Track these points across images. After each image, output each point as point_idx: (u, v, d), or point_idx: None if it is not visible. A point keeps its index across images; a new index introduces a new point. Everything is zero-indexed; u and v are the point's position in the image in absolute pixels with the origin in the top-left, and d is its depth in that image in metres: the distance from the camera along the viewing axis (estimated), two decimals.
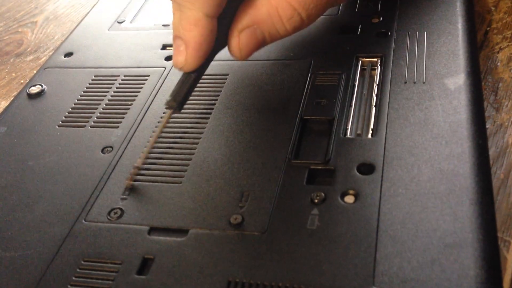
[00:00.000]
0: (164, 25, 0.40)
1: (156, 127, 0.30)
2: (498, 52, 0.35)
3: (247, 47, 0.28)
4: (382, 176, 0.24)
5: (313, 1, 0.27)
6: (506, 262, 0.24)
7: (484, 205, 0.22)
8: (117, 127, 0.31)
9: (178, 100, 0.27)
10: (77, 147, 0.30)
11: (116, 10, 0.43)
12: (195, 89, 0.32)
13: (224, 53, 0.35)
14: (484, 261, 0.20)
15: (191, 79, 0.27)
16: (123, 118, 0.31)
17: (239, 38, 0.28)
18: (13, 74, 0.45)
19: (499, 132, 0.30)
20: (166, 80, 0.34)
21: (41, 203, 0.27)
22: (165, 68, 0.35)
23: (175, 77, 0.34)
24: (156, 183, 0.26)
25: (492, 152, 0.28)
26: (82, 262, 0.23)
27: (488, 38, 0.36)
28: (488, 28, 0.37)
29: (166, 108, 0.27)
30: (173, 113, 0.27)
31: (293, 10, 0.27)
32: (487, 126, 0.30)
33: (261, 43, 0.28)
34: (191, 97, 0.31)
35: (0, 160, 0.30)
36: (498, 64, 0.34)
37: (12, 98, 0.36)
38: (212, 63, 0.34)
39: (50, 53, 0.45)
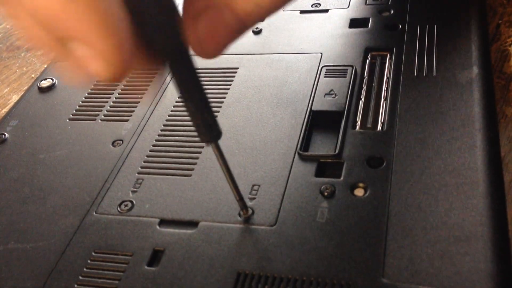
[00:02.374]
0: None
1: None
2: (510, 45, 0.34)
3: (214, 40, 0.18)
4: (392, 169, 0.24)
5: None
6: None
7: (495, 198, 0.22)
8: (127, 120, 0.31)
9: (208, 131, 0.20)
10: (88, 140, 0.30)
11: None
12: (206, 82, 0.32)
13: (233, 47, 0.35)
14: (494, 254, 0.20)
15: (196, 95, 0.19)
16: (133, 111, 0.31)
17: (197, 27, 0.17)
18: (24, 69, 0.45)
19: (511, 125, 0.29)
20: None
21: (53, 196, 0.27)
22: None
23: None
24: (166, 176, 0.27)
25: (503, 145, 0.28)
26: (93, 254, 0.23)
27: (500, 31, 0.36)
28: (500, 21, 0.36)
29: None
30: (216, 143, 0.21)
31: None
32: (499, 120, 0.29)
33: (235, 30, 0.18)
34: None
35: (11, 153, 0.30)
36: (510, 57, 0.34)
37: (23, 92, 0.36)
38: (222, 56, 0.34)
39: None
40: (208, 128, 0.20)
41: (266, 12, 0.18)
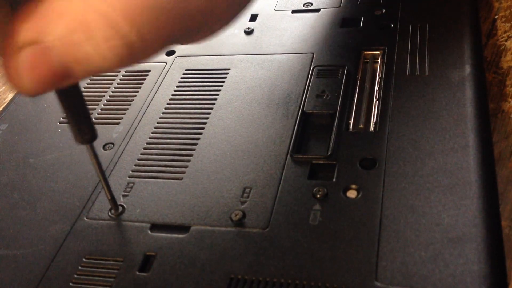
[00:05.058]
0: None
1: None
2: (506, 40, 0.34)
3: (34, 78, 0.16)
4: (384, 171, 0.24)
5: (153, 17, 0.16)
6: None
7: (488, 199, 0.22)
8: (118, 123, 0.31)
9: (85, 133, 0.21)
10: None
11: None
12: (196, 84, 0.32)
13: (224, 48, 0.35)
14: (488, 255, 0.20)
15: (71, 97, 0.20)
16: (124, 114, 0.31)
17: (18, 58, 0.16)
18: None
19: (508, 121, 0.29)
20: (167, 75, 0.33)
21: (43, 201, 0.27)
22: (166, 63, 0.34)
23: (176, 72, 0.34)
24: (157, 179, 0.26)
25: (500, 140, 0.28)
26: (84, 260, 0.23)
27: (496, 26, 0.36)
28: (496, 16, 0.36)
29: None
30: (91, 145, 0.22)
31: (114, 24, 0.16)
32: (496, 115, 0.29)
33: (62, 76, 0.17)
34: (192, 92, 0.32)
35: (1, 158, 0.30)
36: (507, 52, 0.33)
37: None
38: (214, 57, 0.34)
39: None
40: (79, 132, 0.21)
41: (105, 67, 0.17)
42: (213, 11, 0.18)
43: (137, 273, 0.22)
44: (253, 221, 0.23)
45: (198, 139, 0.28)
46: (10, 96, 0.41)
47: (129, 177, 0.27)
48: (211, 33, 0.20)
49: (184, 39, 0.19)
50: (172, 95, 0.32)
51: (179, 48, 0.35)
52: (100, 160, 0.23)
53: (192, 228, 0.24)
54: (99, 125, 0.31)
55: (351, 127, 0.27)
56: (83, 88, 0.34)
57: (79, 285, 0.22)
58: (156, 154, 0.28)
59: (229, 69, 0.33)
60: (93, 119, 0.31)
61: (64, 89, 0.20)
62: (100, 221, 0.25)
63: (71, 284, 0.22)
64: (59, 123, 0.32)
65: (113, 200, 0.25)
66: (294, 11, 0.36)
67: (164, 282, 0.22)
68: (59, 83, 0.17)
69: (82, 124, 0.21)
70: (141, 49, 0.17)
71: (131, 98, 0.32)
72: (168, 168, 0.27)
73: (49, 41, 0.16)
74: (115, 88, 0.33)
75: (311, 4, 0.37)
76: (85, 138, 0.21)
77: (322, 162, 0.25)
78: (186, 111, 0.30)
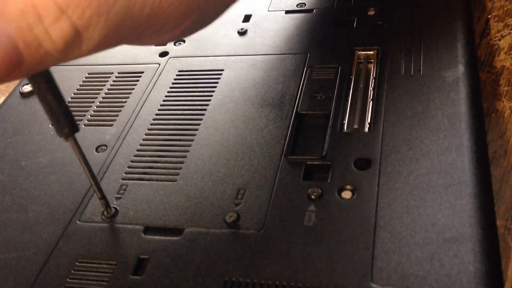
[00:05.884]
0: None
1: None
2: (499, 40, 0.34)
3: None
4: (379, 171, 0.24)
5: (88, 5, 0.17)
6: (510, 250, 0.23)
7: (483, 199, 0.22)
8: (111, 125, 0.30)
9: (65, 127, 0.21)
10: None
11: None
12: (190, 85, 0.32)
13: (218, 49, 0.35)
14: (483, 255, 0.20)
15: (49, 93, 0.20)
16: (117, 116, 0.31)
17: None
18: None
19: (502, 120, 0.29)
20: (160, 76, 0.33)
21: (35, 204, 0.26)
22: (159, 64, 0.34)
23: (170, 73, 0.33)
24: (151, 182, 0.26)
25: (494, 140, 0.28)
26: (77, 263, 0.23)
27: (490, 25, 0.36)
28: (489, 16, 0.36)
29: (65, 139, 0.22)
30: (74, 137, 0.22)
31: (58, 9, 0.17)
32: (490, 115, 0.29)
33: (13, 63, 0.17)
34: (185, 93, 0.31)
35: None
36: (500, 51, 0.33)
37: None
38: (207, 58, 0.34)
39: None
40: (58, 124, 0.21)
41: (54, 51, 0.17)
42: (170, 15, 0.19)
43: (131, 276, 0.22)
44: (247, 223, 0.23)
45: (192, 140, 0.28)
46: (2, 99, 0.40)
47: (122, 179, 0.27)
48: (177, 34, 0.21)
49: (138, 37, 0.20)
50: (166, 96, 0.32)
51: (173, 49, 0.35)
52: (83, 152, 0.23)
53: (186, 230, 0.23)
54: (92, 127, 0.30)
55: (345, 127, 0.27)
56: (75, 90, 0.34)
57: None
58: (150, 156, 0.28)
59: (222, 70, 0.32)
60: (86, 121, 0.31)
61: (37, 78, 0.20)
62: (93, 224, 0.25)
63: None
64: (51, 125, 0.31)
65: (104, 199, 0.24)
66: (287, 12, 0.36)
67: (158, 285, 0.21)
68: (11, 73, 0.17)
69: (59, 116, 0.21)
70: (88, 36, 0.17)
71: (124, 100, 0.32)
72: (161, 170, 0.27)
73: (0, 24, 0.16)
74: (108, 89, 0.33)
75: (305, 4, 0.37)
76: (65, 131, 0.21)
77: (316, 163, 0.25)
78: (179, 112, 0.30)
